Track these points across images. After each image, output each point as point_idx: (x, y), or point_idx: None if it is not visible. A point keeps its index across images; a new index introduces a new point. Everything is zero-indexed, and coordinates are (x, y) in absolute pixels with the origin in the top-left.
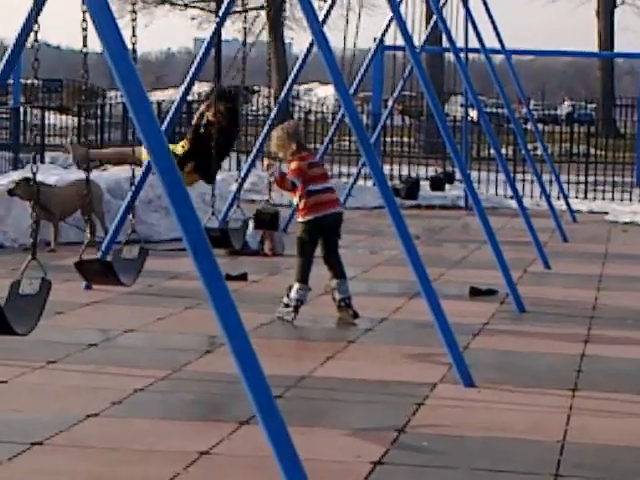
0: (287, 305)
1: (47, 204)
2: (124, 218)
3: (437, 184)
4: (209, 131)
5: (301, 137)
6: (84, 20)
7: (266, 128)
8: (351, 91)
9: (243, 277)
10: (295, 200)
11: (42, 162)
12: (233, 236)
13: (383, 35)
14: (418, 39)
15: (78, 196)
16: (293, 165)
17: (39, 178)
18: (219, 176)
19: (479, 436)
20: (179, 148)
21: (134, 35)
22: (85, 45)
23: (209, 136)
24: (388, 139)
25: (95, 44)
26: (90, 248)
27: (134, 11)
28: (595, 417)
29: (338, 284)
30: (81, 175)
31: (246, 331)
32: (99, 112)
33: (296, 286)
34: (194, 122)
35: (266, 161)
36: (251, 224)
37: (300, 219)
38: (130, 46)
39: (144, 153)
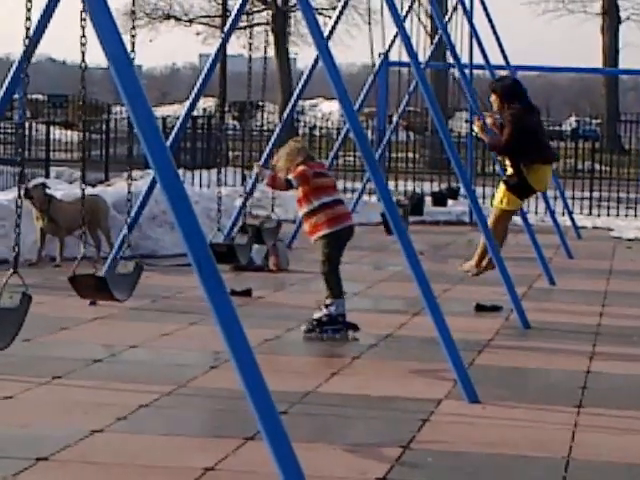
0: (323, 323)
1: (55, 217)
2: (129, 233)
3: (439, 200)
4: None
5: (308, 150)
6: (83, 36)
7: (271, 143)
8: (356, 107)
9: (248, 293)
10: (302, 212)
11: (47, 177)
12: (239, 251)
13: (388, 51)
14: (423, 55)
15: (85, 211)
16: (299, 168)
17: (48, 192)
18: (224, 191)
19: (484, 452)
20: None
21: (133, 50)
22: (84, 60)
23: (521, 127)
24: (393, 155)
25: (100, 59)
26: (94, 263)
27: (134, 27)
28: (600, 434)
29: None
30: (88, 190)
31: (251, 347)
32: (104, 127)
33: (337, 302)
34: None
35: (256, 167)
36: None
37: (321, 233)
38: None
39: None
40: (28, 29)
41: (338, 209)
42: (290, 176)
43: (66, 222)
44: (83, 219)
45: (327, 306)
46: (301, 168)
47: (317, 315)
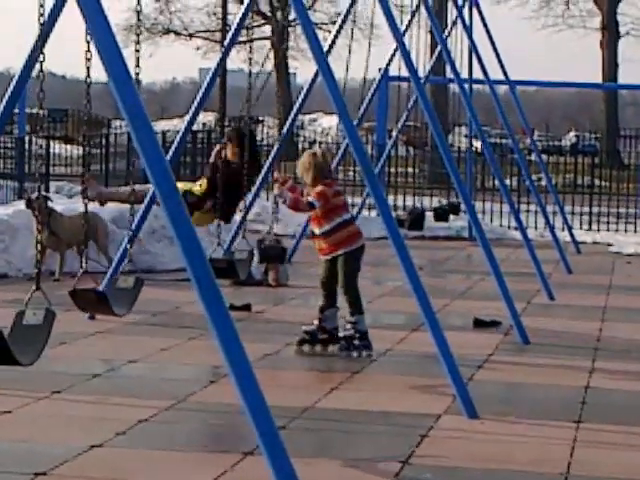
0: (352, 338)
1: (56, 230)
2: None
3: (441, 215)
4: (228, 170)
5: (329, 163)
6: (88, 50)
7: (271, 158)
8: (355, 121)
9: (247, 308)
10: (320, 230)
11: (47, 191)
12: (239, 266)
13: (387, 66)
14: (422, 70)
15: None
16: (318, 188)
17: (50, 205)
18: None
19: (483, 468)
20: (197, 187)
21: (137, 65)
22: (89, 75)
23: (228, 175)
24: (392, 170)
25: (100, 74)
26: (94, 278)
27: (138, 42)
28: (599, 450)
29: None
30: (88, 206)
31: (249, 362)
32: (104, 142)
33: (362, 318)
34: (211, 160)
35: (277, 189)
36: (256, 256)
37: (344, 250)
38: (134, 76)
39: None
40: (42, 43)
41: (355, 226)
42: (311, 198)
43: (66, 236)
44: (86, 234)
45: (354, 323)
46: (321, 188)
47: (345, 333)
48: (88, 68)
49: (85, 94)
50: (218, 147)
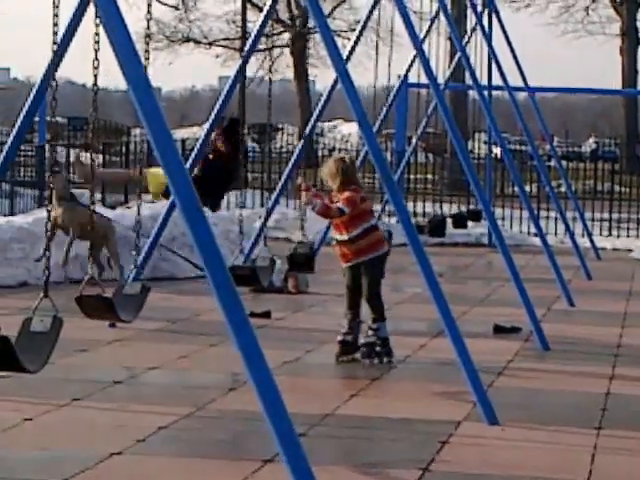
0: (374, 345)
1: (72, 209)
2: (148, 255)
3: (459, 221)
4: (216, 158)
5: (355, 169)
6: (96, 58)
7: (290, 165)
8: (375, 128)
9: (267, 315)
10: (346, 236)
11: None
12: (261, 274)
13: (407, 72)
14: (442, 77)
15: (97, 231)
16: (346, 194)
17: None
18: (245, 213)
19: (503, 475)
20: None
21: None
22: (96, 83)
23: (217, 163)
24: (412, 176)
25: (120, 82)
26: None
27: (147, 50)
28: (620, 456)
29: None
30: (103, 212)
31: (269, 368)
32: (124, 150)
33: (384, 324)
34: (206, 150)
35: (305, 197)
36: (279, 262)
37: (371, 255)
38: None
39: (154, 176)
40: (55, 51)
41: (380, 232)
42: (340, 204)
43: (80, 220)
44: (96, 237)
45: (375, 330)
46: (349, 194)
47: (367, 340)
48: (95, 76)
49: (92, 101)
50: (214, 135)
